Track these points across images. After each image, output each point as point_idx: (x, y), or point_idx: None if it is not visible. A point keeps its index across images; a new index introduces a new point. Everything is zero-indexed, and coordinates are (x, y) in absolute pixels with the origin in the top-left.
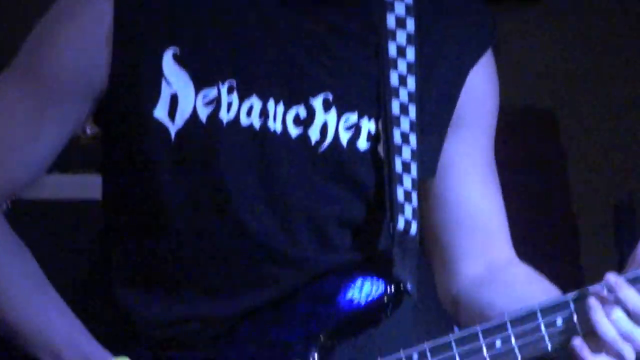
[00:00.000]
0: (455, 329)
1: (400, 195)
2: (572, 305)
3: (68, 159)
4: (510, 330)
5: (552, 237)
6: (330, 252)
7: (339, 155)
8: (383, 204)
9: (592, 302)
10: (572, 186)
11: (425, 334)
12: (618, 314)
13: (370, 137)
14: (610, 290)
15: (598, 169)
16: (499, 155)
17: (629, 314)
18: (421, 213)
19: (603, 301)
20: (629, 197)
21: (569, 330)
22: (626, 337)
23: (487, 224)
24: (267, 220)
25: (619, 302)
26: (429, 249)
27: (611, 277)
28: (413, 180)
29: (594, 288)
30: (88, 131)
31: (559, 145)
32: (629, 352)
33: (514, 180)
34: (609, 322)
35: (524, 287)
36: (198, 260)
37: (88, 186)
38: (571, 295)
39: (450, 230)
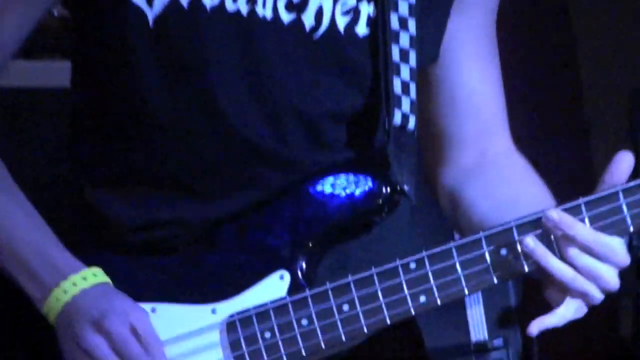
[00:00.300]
0: (456, 236)
1: (397, 86)
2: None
3: (33, 44)
4: (516, 236)
5: (562, 126)
6: (322, 151)
7: (335, 43)
8: (379, 97)
9: (532, 245)
10: (583, 74)
11: (425, 241)
12: (572, 251)
13: (370, 21)
14: (556, 228)
15: (611, 56)
16: (509, 42)
17: (584, 250)
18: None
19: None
20: None
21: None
22: (589, 275)
23: (485, 110)
24: (254, 116)
25: (569, 240)
26: (422, 140)
27: (553, 214)
28: (411, 70)
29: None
30: (55, 12)
31: (570, 30)
32: (595, 292)
33: (522, 67)
34: (560, 262)
35: (512, 186)
36: (178, 157)
37: (55, 73)
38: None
39: (446, 116)
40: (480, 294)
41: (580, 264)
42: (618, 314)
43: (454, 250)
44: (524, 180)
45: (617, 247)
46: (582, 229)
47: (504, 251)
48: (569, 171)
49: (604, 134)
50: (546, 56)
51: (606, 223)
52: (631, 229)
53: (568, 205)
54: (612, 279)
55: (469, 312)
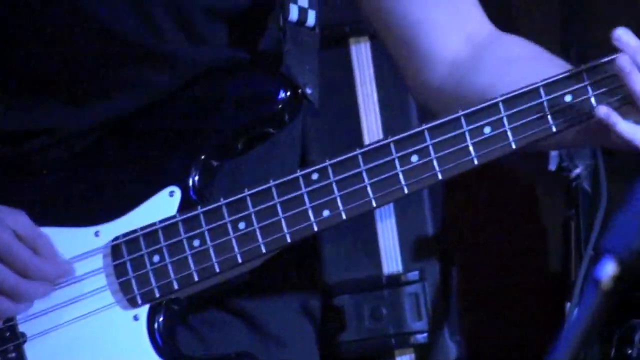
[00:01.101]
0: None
1: None
2: (585, 77)
3: None
4: (428, 141)
5: (488, 16)
6: (202, 46)
7: None
8: None
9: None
10: None
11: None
12: None
13: None
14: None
15: None
16: None
17: None
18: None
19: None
20: None
21: (580, 106)
22: None
23: None
24: (118, 5)
25: None
26: (391, 42)
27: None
28: None
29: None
30: None
31: None
32: None
33: None
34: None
35: (526, 62)
36: (42, 53)
37: None
38: (586, 66)
39: (414, 8)
40: (394, 220)
41: None
42: (547, 249)
43: (360, 157)
44: (541, 55)
45: None
46: None
47: (414, 157)
48: None
49: (531, 25)
50: None
51: None
52: None
53: None
54: None
55: (381, 240)
